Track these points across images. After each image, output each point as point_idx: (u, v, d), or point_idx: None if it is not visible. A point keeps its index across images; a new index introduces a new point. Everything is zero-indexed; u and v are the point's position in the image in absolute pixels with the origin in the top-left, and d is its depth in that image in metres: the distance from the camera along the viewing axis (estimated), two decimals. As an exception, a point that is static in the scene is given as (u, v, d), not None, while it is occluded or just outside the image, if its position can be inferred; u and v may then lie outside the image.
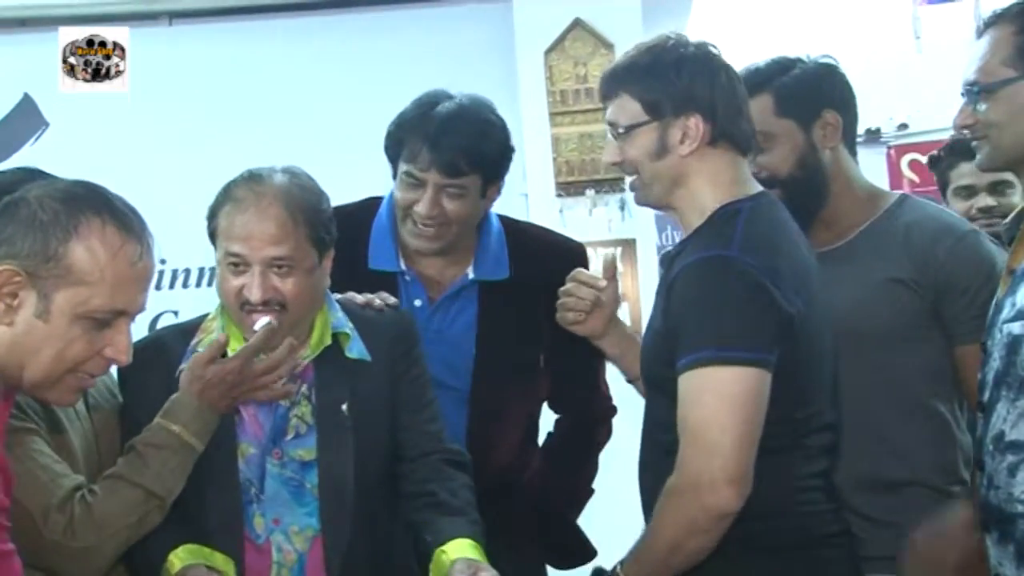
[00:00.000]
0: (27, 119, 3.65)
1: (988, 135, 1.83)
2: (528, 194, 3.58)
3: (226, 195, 1.91)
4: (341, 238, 1.98)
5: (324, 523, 1.91)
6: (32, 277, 1.41)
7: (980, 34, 1.84)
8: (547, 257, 2.30)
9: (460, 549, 1.83)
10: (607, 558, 2.44)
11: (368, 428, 1.94)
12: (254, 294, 1.86)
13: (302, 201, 1.89)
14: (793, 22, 3.76)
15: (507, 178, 2.27)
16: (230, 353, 1.91)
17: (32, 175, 1.99)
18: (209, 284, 3.60)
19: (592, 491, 2.44)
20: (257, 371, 1.86)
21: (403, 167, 2.17)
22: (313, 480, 1.92)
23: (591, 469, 2.43)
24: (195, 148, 3.59)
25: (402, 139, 2.17)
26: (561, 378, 2.34)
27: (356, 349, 1.97)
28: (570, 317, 2.12)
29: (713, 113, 1.83)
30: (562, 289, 2.12)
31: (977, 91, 1.81)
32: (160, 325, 3.57)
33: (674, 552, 1.73)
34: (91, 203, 1.45)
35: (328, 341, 1.96)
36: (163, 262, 3.60)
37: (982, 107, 1.81)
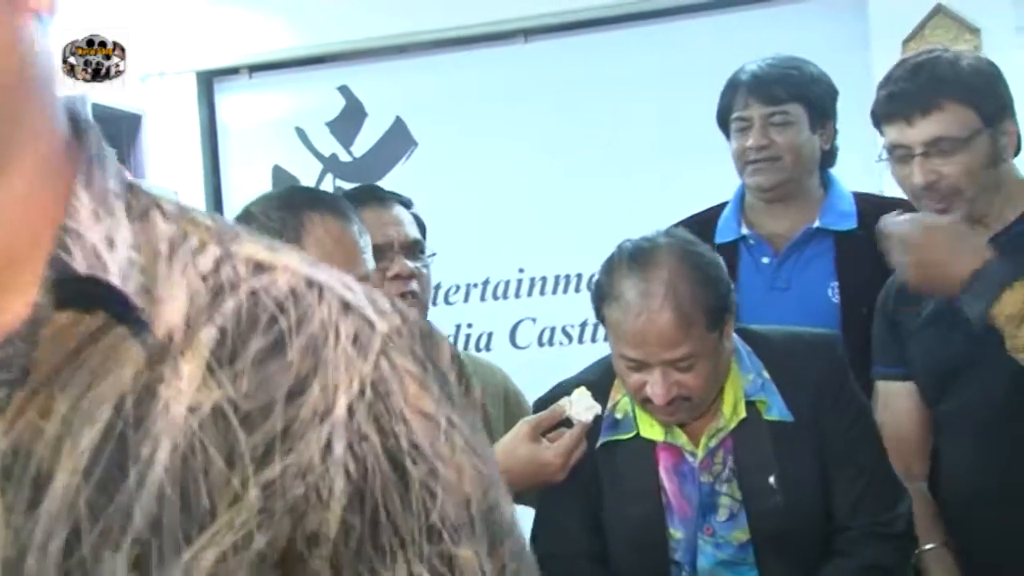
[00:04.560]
0: (399, 140, 3.89)
1: None
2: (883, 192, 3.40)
3: (611, 286, 1.78)
4: None
5: None
6: None
7: None
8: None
9: None
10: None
11: (799, 495, 1.78)
12: (657, 396, 1.75)
13: (693, 291, 1.73)
14: None
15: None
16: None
17: (372, 192, 2.13)
18: (564, 291, 3.73)
19: None
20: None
21: (733, 116, 2.33)
22: (750, 558, 1.80)
23: None
24: (551, 161, 3.72)
25: (725, 99, 2.35)
26: None
27: (776, 410, 1.80)
28: None
29: (1015, 117, 1.84)
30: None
31: None
32: (520, 332, 3.76)
33: None
34: (308, 202, 1.60)
35: (743, 413, 1.81)
36: (521, 271, 3.76)
37: None
